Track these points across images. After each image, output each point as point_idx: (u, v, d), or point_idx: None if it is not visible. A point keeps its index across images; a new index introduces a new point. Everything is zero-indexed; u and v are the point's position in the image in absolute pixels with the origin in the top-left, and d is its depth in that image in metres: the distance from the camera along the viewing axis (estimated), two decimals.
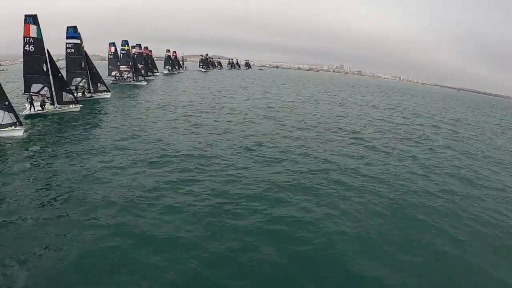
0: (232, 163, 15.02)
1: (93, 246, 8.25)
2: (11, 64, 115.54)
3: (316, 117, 29.71)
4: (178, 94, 40.57)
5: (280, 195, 11.93)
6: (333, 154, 17.63)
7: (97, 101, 31.62)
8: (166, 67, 79.61)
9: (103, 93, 33.89)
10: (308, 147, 18.80)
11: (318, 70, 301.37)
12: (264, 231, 9.46)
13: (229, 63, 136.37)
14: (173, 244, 8.56)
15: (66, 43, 30.78)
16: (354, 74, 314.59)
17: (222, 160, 15.41)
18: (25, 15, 22.51)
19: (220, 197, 11.45)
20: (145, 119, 24.27)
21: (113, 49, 48.01)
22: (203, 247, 8.51)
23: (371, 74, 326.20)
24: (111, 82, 45.96)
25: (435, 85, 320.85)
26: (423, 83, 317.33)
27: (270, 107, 33.66)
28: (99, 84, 33.78)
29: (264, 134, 21.13)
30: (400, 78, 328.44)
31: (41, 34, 22.83)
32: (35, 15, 22.55)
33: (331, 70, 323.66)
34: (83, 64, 31.67)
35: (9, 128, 17.79)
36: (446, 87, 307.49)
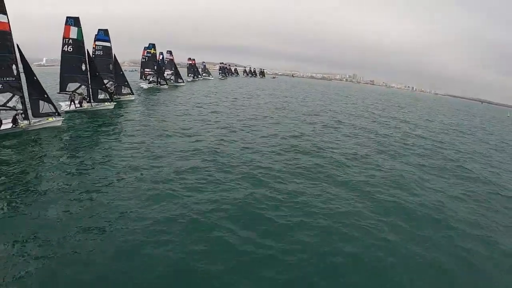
0: None
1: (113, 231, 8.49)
2: None
3: None
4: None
5: None
6: None
7: (123, 103, 32.43)
8: (189, 74, 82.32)
9: (128, 96, 34.86)
10: None
11: (331, 79, 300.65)
12: None
13: (244, 71, 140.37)
14: None
15: (96, 45, 31.79)
16: (367, 83, 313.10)
17: None
18: (67, 17, 23.65)
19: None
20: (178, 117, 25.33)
21: (146, 52, 50.04)
22: None
23: (384, 84, 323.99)
24: (149, 84, 48.03)
25: (447, 95, 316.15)
26: (435, 93, 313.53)
27: None
28: (123, 87, 34.71)
29: None
30: (413, 88, 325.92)
31: (82, 35, 24.02)
32: (77, 18, 23.68)
33: (344, 80, 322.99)
34: (111, 67, 32.58)
35: (50, 119, 19.24)
36: (459, 97, 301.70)
